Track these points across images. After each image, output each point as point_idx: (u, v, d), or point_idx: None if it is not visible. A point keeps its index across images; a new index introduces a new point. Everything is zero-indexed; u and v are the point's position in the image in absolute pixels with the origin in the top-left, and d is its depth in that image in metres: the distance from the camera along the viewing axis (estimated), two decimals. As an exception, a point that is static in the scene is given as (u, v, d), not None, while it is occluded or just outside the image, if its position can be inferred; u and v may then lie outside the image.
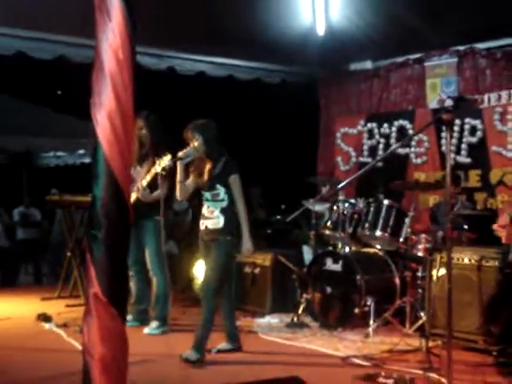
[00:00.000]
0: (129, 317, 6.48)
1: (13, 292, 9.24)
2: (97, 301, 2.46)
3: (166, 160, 5.44)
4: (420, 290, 6.15)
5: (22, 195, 11.83)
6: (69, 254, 8.32)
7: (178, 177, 5.30)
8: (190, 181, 5.38)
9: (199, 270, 7.67)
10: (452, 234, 5.68)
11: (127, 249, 2.60)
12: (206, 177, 5.30)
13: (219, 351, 5.36)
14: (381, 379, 4.61)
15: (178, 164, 5.26)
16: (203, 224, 5.32)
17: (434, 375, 4.63)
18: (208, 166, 5.30)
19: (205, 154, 5.29)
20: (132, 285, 6.45)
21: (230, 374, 4.80)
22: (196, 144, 5.24)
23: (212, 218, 5.26)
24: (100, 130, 2.44)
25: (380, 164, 8.76)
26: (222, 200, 5.24)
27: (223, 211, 5.22)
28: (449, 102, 3.30)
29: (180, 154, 5.24)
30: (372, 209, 6.47)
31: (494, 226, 3.93)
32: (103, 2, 2.46)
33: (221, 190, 5.24)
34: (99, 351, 2.46)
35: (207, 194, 5.30)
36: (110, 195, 2.44)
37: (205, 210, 5.33)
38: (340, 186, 3.90)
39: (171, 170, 5.45)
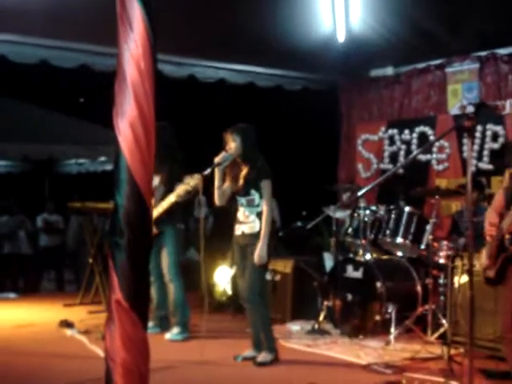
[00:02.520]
0: (150, 323, 6.52)
1: (35, 298, 9.30)
2: (119, 307, 2.50)
3: (190, 182, 5.49)
4: (442, 298, 6.11)
5: (45, 202, 11.92)
6: (90, 260, 8.37)
7: (216, 182, 5.32)
8: (227, 186, 5.38)
9: (220, 276, 7.71)
10: (473, 241, 5.66)
11: (149, 256, 2.64)
12: (241, 182, 5.29)
13: (245, 359, 5.35)
14: (402, 387, 4.59)
15: (216, 170, 5.27)
16: (239, 229, 5.33)
17: (455, 383, 4.59)
18: (243, 171, 5.30)
19: (241, 157, 5.28)
20: (152, 291, 6.49)
21: (250, 381, 4.80)
22: (233, 146, 5.24)
23: (248, 223, 5.27)
24: (122, 139, 2.48)
25: (401, 171, 8.73)
26: (258, 205, 5.25)
27: (259, 216, 5.23)
28: (470, 109, 3.27)
29: (217, 159, 5.23)
30: (393, 216, 6.45)
31: (486, 226, 3.92)
32: (125, 12, 2.49)
33: (256, 195, 5.24)
34: (121, 356, 2.50)
35: (242, 200, 5.29)
36: (132, 203, 2.48)
37: (240, 215, 5.33)
38: (360, 193, 3.88)
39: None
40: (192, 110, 10.66)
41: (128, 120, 2.47)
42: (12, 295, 9.43)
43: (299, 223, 9.83)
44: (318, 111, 9.49)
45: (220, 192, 5.35)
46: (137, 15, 2.48)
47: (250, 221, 5.25)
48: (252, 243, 5.20)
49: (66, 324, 6.74)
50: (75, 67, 7.73)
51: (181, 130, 8.53)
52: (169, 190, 6.08)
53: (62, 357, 5.59)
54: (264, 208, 5.21)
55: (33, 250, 10.99)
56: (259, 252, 5.16)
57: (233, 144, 5.24)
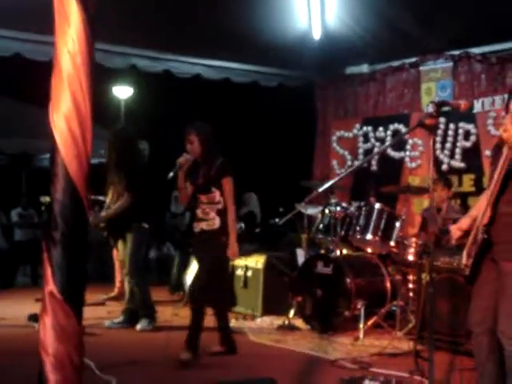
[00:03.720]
0: (120, 318, 6.55)
1: (9, 293, 9.26)
2: (52, 299, 2.56)
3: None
4: (410, 294, 6.17)
5: (20, 196, 11.86)
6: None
7: (181, 183, 5.33)
8: (188, 184, 5.39)
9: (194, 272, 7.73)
10: (439, 238, 5.73)
11: (85, 249, 2.67)
12: (201, 179, 5.30)
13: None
14: (367, 382, 4.63)
15: (180, 171, 5.28)
16: (197, 226, 5.33)
17: (420, 378, 4.63)
18: (203, 169, 5.30)
19: (200, 156, 5.29)
20: (125, 286, 6.56)
21: (215, 375, 4.82)
22: (193, 146, 5.25)
23: (207, 220, 5.27)
24: (57, 133, 2.52)
25: (374, 168, 8.81)
26: (218, 202, 5.25)
27: (219, 213, 5.23)
28: (431, 107, 3.31)
29: (179, 161, 5.25)
30: (363, 212, 6.49)
31: (452, 227, 3.92)
32: (62, 8, 2.51)
33: (216, 193, 5.25)
34: (54, 348, 2.55)
35: (203, 197, 5.30)
36: (67, 197, 2.54)
37: (199, 212, 5.33)
38: (321, 189, 3.90)
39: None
40: (167, 105, 10.66)
41: (63, 115, 2.51)
42: (-15, 289, 9.39)
43: (276, 219, 9.86)
44: (293, 108, 9.56)
45: (184, 193, 5.39)
46: (74, 10, 2.50)
47: (210, 218, 5.25)
48: (211, 239, 5.22)
49: (35, 318, 6.70)
50: (50, 60, 7.68)
51: (155, 125, 8.55)
52: None
53: (32, 352, 5.55)
54: (228, 205, 5.23)
55: (7, 244, 10.95)
56: (231, 248, 5.19)
57: (192, 144, 5.26)
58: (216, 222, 5.22)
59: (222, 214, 5.23)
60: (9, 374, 4.84)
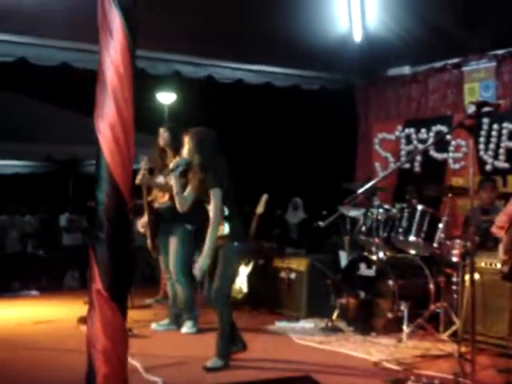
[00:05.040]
0: (166, 320, 6.66)
1: (58, 296, 9.48)
2: (99, 296, 2.68)
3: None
4: (454, 296, 6.13)
5: (68, 202, 12.14)
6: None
7: (175, 189, 5.18)
8: (188, 191, 5.27)
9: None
10: (481, 240, 5.70)
11: (128, 248, 2.79)
12: (200, 188, 5.18)
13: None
14: (410, 383, 4.63)
15: (172, 176, 5.17)
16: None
17: (464, 380, 4.61)
18: (200, 177, 5.15)
19: (193, 163, 5.15)
20: (168, 288, 6.67)
21: (257, 375, 4.88)
22: (186, 151, 5.18)
23: None
24: (102, 139, 2.65)
25: (418, 169, 8.77)
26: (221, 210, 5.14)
27: (226, 219, 5.14)
28: (471, 108, 3.32)
29: (171, 165, 5.22)
30: (406, 214, 6.48)
31: (493, 229, 3.91)
32: (105, 21, 2.63)
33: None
34: (102, 343, 2.66)
35: (207, 205, 5.17)
36: (112, 199, 2.66)
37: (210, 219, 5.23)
38: (360, 191, 3.94)
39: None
40: (211, 110, 10.77)
41: (108, 122, 2.63)
42: (34, 292, 9.62)
43: (319, 222, 9.89)
44: (335, 110, 9.56)
45: (180, 198, 5.23)
46: (117, 24, 2.62)
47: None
48: (222, 245, 5.12)
49: (85, 321, 6.86)
50: (97, 69, 7.86)
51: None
52: None
53: (77, 352, 5.70)
54: (211, 216, 5.04)
55: (56, 249, 11.21)
56: (200, 261, 5.05)
57: (187, 148, 5.17)
58: (225, 228, 5.13)
59: (228, 219, 5.13)
60: (55, 373, 4.99)
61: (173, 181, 5.19)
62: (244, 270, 7.71)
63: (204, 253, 5.03)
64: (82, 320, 6.86)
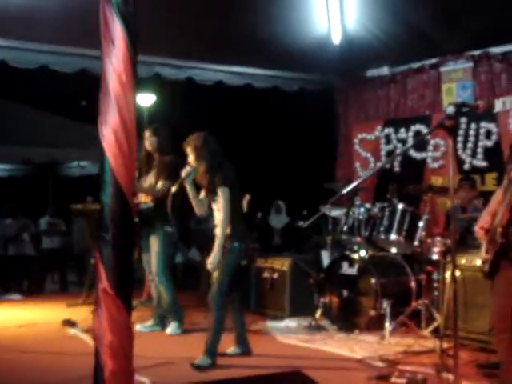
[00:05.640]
0: (151, 322, 6.68)
1: (39, 299, 9.44)
2: (105, 295, 2.81)
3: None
4: (435, 293, 6.23)
5: (48, 205, 12.09)
6: (93, 261, 8.50)
7: (190, 194, 5.42)
8: (203, 194, 5.49)
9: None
10: (461, 237, 5.81)
11: (132, 248, 2.91)
12: (208, 189, 5.38)
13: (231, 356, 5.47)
14: (394, 379, 4.71)
15: (185, 184, 5.39)
16: (215, 231, 5.45)
17: (446, 375, 4.71)
18: (208, 179, 5.35)
19: (203, 167, 5.35)
20: (152, 290, 6.70)
21: (245, 374, 4.93)
22: (192, 158, 5.37)
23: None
24: (106, 144, 2.75)
25: (397, 169, 8.89)
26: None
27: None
28: (451, 109, 3.40)
29: (182, 174, 5.39)
30: (387, 213, 6.58)
31: (475, 228, 4.01)
32: (108, 31, 2.74)
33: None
34: (108, 339, 2.81)
35: (214, 205, 5.38)
36: (116, 202, 2.80)
37: (215, 219, 5.41)
38: (344, 191, 4.01)
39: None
40: (190, 112, 10.81)
41: (111, 128, 2.73)
42: (17, 296, 9.58)
43: (300, 222, 9.98)
44: (315, 111, 9.63)
45: (197, 202, 5.47)
46: (118, 34, 2.74)
47: None
48: (224, 245, 5.24)
49: (69, 323, 6.88)
50: (75, 72, 7.89)
51: (180, 132, 8.66)
52: None
53: (64, 354, 5.73)
54: (220, 215, 5.25)
55: (36, 252, 11.16)
56: (210, 260, 5.24)
57: (192, 156, 5.37)
58: (228, 230, 5.26)
59: (232, 220, 5.28)
60: (44, 376, 5.01)
61: (188, 188, 5.40)
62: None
63: (214, 250, 5.22)
64: (67, 323, 6.91)
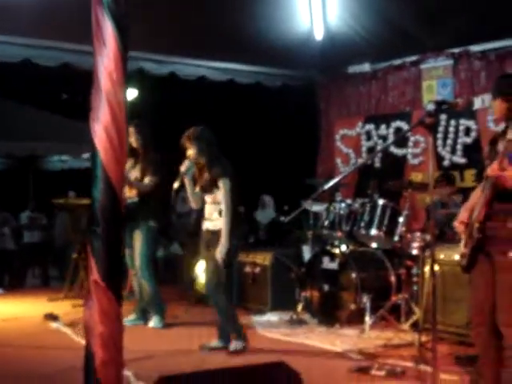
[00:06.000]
0: (133, 316, 6.71)
1: (20, 294, 9.43)
2: (96, 286, 2.91)
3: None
4: (415, 287, 6.33)
5: (28, 199, 12.04)
6: (75, 255, 8.52)
7: (189, 189, 5.52)
8: (198, 190, 5.58)
9: (201, 270, 7.90)
10: (440, 232, 5.90)
11: (121, 241, 3.04)
12: (205, 180, 5.49)
13: (212, 349, 5.56)
14: (373, 371, 4.80)
15: (184, 179, 5.47)
16: (204, 225, 5.55)
17: (424, 367, 4.79)
18: (206, 171, 5.49)
19: (202, 160, 5.48)
20: (134, 284, 6.73)
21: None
22: (192, 153, 5.45)
23: (212, 220, 5.47)
24: (97, 140, 2.84)
25: (378, 165, 8.98)
26: (220, 202, 5.40)
27: (221, 213, 5.38)
28: (431, 106, 3.47)
29: (182, 169, 5.45)
30: (367, 208, 6.66)
31: (455, 224, 4.09)
32: (99, 30, 2.83)
33: (218, 193, 5.42)
34: (99, 330, 2.91)
35: (207, 197, 5.50)
36: (107, 196, 2.92)
37: (206, 212, 5.54)
38: (326, 186, 4.07)
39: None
40: (173, 107, 10.83)
41: (102, 124, 2.81)
42: (-2, 291, 9.57)
43: (281, 217, 10.03)
44: (297, 107, 9.70)
45: (195, 196, 5.58)
46: (109, 33, 2.83)
47: (214, 218, 5.45)
48: (214, 240, 5.38)
49: (51, 317, 6.90)
50: (57, 66, 7.88)
51: (162, 127, 8.69)
52: None
53: (46, 348, 5.76)
54: (223, 206, 5.36)
55: (17, 247, 11.13)
56: (220, 249, 5.33)
57: (191, 150, 5.44)
58: (218, 223, 5.40)
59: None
60: (26, 369, 5.03)
61: (187, 183, 5.48)
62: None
63: (222, 241, 5.31)
64: (49, 317, 6.92)
